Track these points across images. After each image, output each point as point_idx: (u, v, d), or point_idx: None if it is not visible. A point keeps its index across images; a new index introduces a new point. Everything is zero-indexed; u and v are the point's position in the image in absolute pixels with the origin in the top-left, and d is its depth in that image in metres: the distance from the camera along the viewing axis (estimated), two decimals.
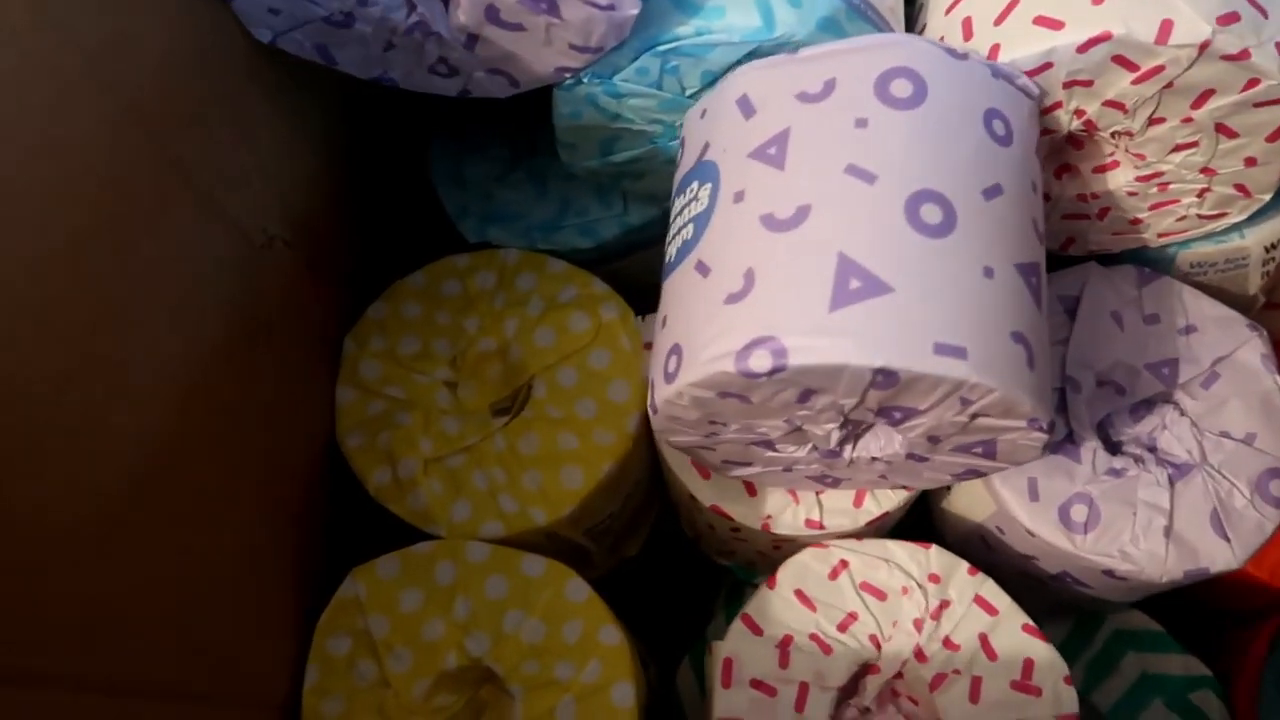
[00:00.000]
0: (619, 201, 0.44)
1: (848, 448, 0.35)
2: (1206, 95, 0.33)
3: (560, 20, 0.32)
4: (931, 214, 0.30)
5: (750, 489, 0.39)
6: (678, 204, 0.35)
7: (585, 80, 0.36)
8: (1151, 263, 0.42)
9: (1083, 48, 0.32)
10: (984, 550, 0.42)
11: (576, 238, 0.44)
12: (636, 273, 0.45)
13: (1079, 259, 0.42)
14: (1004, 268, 0.30)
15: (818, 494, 0.39)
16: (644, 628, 0.43)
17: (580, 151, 0.40)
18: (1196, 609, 0.49)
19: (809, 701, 0.35)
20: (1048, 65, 0.33)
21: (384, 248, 0.47)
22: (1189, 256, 0.42)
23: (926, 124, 0.31)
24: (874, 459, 0.35)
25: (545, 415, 0.40)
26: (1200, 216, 0.39)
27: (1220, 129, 0.34)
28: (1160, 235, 0.40)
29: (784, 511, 0.39)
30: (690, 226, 0.33)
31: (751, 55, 0.34)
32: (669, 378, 0.31)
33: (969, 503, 0.41)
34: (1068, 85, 0.34)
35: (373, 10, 0.32)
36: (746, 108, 0.33)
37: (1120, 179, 0.38)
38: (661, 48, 0.35)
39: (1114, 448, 0.39)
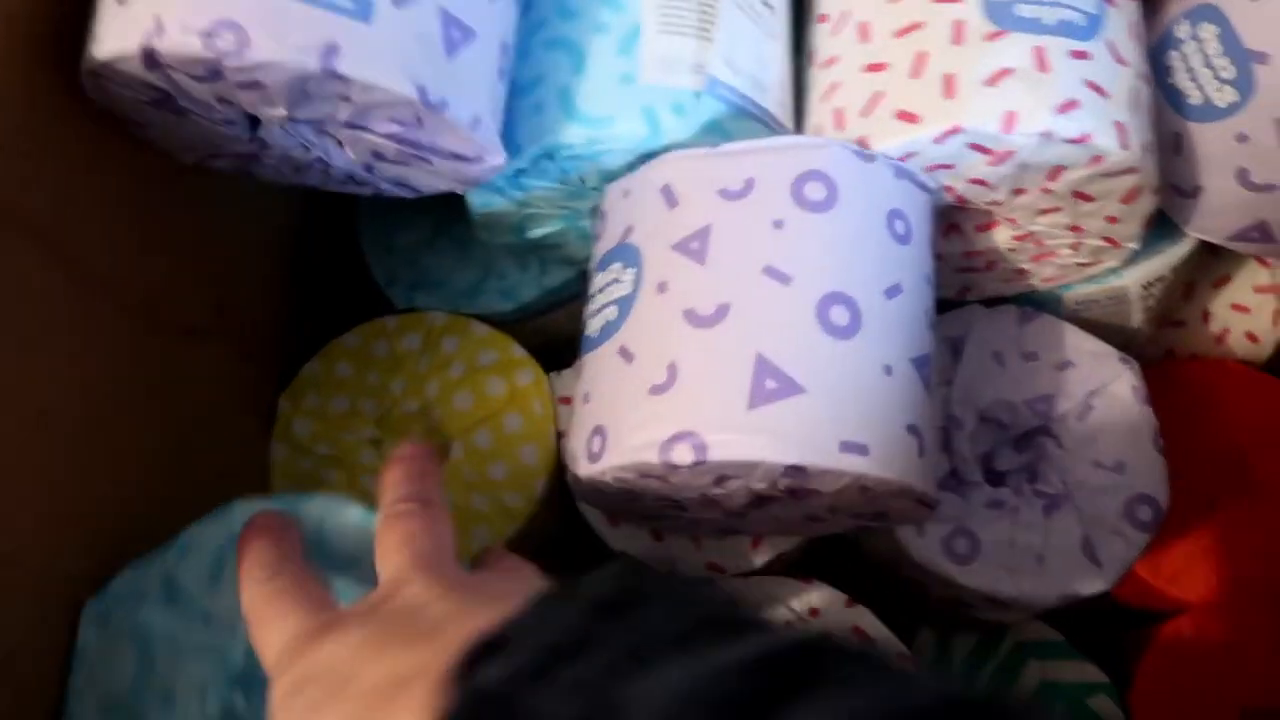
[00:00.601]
0: (536, 265, 0.47)
1: (752, 511, 0.37)
2: (1058, 170, 0.35)
3: (434, 165, 0.34)
4: (840, 315, 0.32)
5: (656, 535, 0.42)
6: (599, 279, 0.37)
7: (492, 178, 0.38)
8: (1040, 302, 0.44)
9: (939, 139, 0.34)
10: (891, 570, 0.45)
11: (497, 300, 0.47)
12: (555, 328, 0.48)
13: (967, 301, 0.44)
14: (901, 363, 0.33)
15: (718, 539, 0.42)
16: None
17: (495, 232, 0.42)
18: (1100, 615, 0.52)
19: None
20: (912, 154, 0.35)
21: (320, 311, 0.49)
22: (1074, 296, 0.44)
23: (837, 227, 0.33)
24: (775, 518, 0.37)
25: (460, 477, 0.42)
26: (1079, 265, 0.41)
27: (1078, 196, 0.36)
28: (1045, 280, 0.42)
29: (686, 557, 0.42)
30: (614, 308, 0.35)
31: (643, 158, 0.36)
32: (593, 457, 0.34)
33: (871, 535, 0.44)
34: (931, 169, 0.36)
35: (274, 151, 0.34)
36: (670, 197, 0.35)
37: (1000, 237, 0.40)
38: (558, 155, 0.37)
39: (997, 479, 0.42)
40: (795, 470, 0.31)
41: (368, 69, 0.29)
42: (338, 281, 0.52)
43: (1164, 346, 0.53)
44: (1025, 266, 0.41)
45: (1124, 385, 0.41)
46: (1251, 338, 0.52)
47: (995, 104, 0.33)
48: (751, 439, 0.31)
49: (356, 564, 0.31)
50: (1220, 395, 0.51)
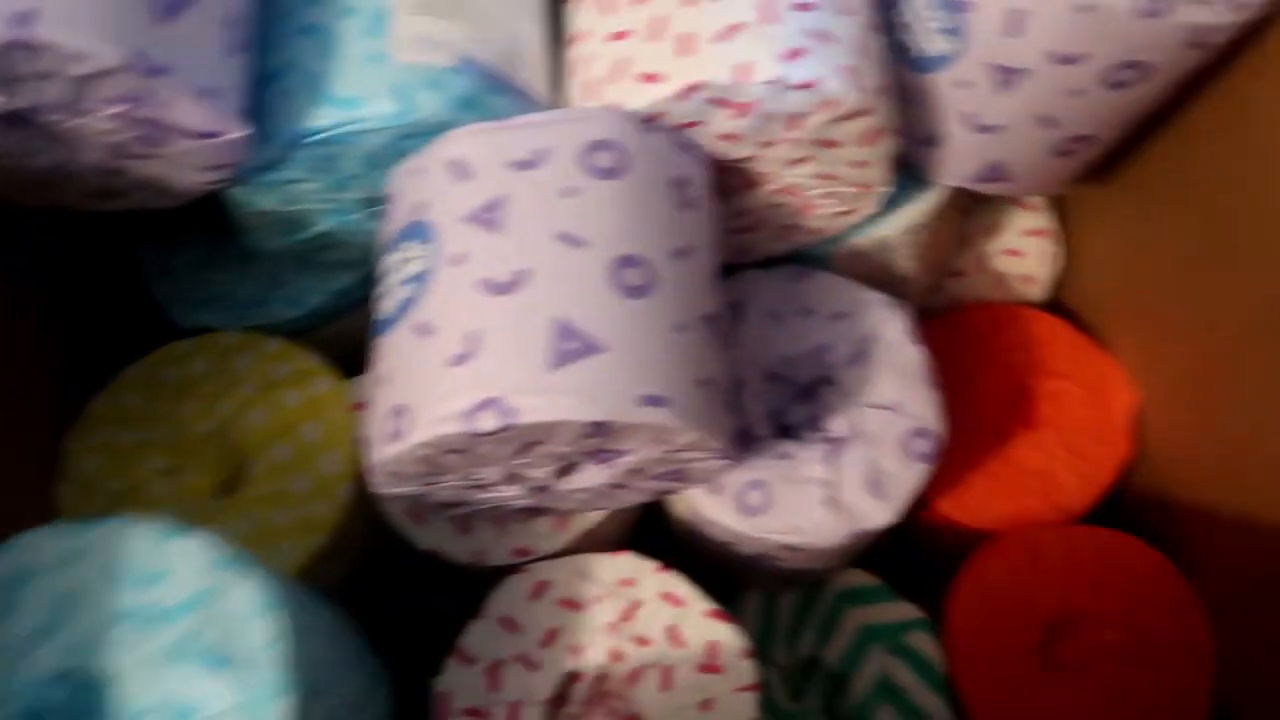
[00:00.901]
0: (322, 269, 0.46)
1: (556, 483, 0.37)
2: (798, 118, 0.36)
3: (176, 149, 0.33)
4: (633, 277, 0.33)
5: (462, 527, 0.42)
6: (390, 260, 0.36)
7: (250, 173, 0.37)
8: (813, 259, 0.46)
9: (680, 96, 0.35)
10: (699, 541, 0.45)
11: (285, 309, 0.46)
12: (350, 333, 0.47)
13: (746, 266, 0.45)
14: (693, 321, 0.34)
15: (526, 522, 0.42)
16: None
17: (264, 235, 0.41)
18: (918, 557, 0.54)
19: (520, 718, 0.38)
20: (661, 114, 0.36)
21: (108, 343, 0.48)
22: (843, 250, 0.46)
23: (626, 193, 0.34)
24: (578, 490, 0.38)
25: (261, 494, 0.41)
26: (838, 214, 0.43)
27: (822, 143, 0.38)
28: (812, 233, 0.44)
29: (495, 544, 0.42)
30: (408, 286, 0.34)
31: (401, 138, 0.36)
32: (395, 436, 0.33)
33: (673, 502, 0.45)
34: (683, 128, 0.37)
35: (7, 160, 0.32)
36: (459, 171, 0.35)
37: (761, 194, 0.41)
38: (310, 140, 0.36)
39: (787, 433, 0.43)
40: (599, 427, 0.32)
41: (69, 33, 0.27)
42: (125, 311, 0.50)
43: (949, 296, 0.56)
44: (790, 222, 0.43)
45: (894, 329, 0.43)
46: (1026, 279, 0.56)
47: (728, 57, 0.35)
48: (555, 399, 0.31)
49: (160, 579, 0.30)
50: (1005, 335, 0.54)
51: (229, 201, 0.39)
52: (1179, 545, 0.49)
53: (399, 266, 0.35)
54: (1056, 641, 0.48)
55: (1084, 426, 0.51)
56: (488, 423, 0.31)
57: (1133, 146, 0.49)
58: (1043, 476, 0.51)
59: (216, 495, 0.42)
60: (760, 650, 0.48)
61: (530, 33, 0.39)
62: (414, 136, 0.36)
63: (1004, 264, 0.55)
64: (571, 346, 0.31)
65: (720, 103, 0.35)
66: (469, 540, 0.41)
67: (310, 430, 0.42)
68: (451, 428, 0.31)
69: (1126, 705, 0.45)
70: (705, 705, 0.38)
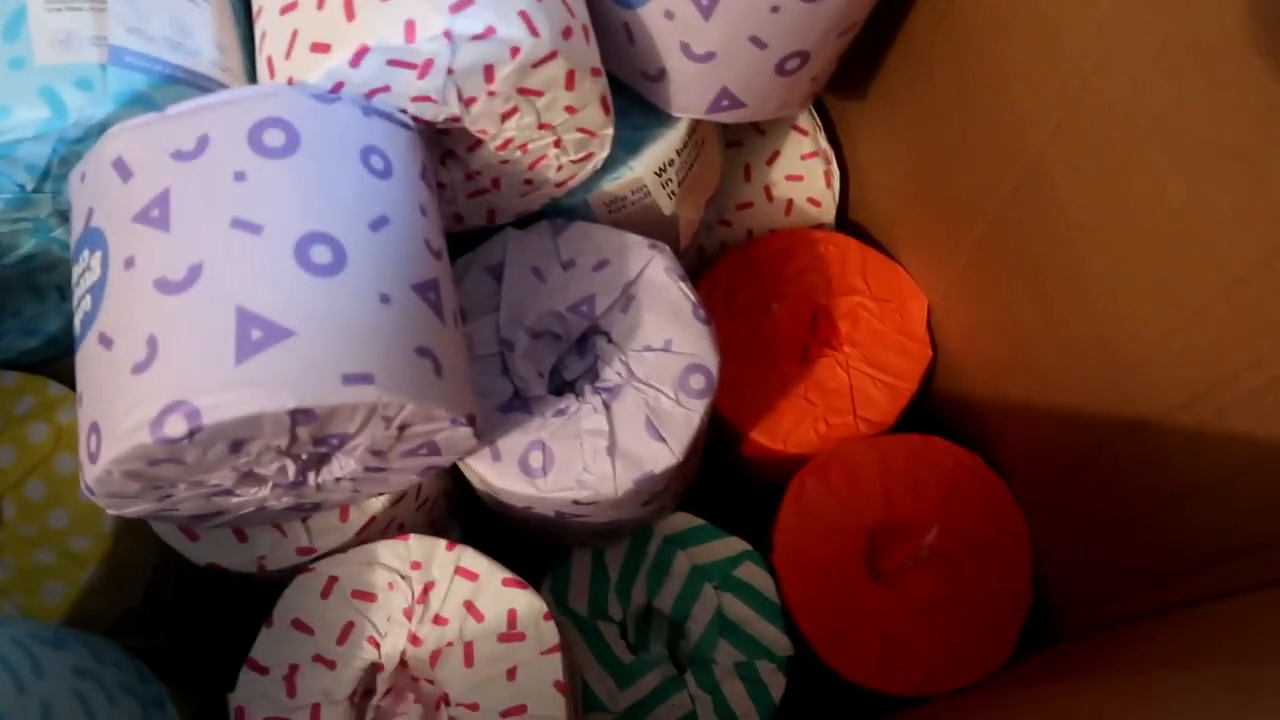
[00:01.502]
0: (54, 293, 0.44)
1: (310, 476, 0.36)
2: (489, 70, 0.36)
3: None
4: (321, 254, 0.32)
5: (240, 535, 0.41)
6: (75, 274, 0.35)
7: None
8: (572, 212, 0.45)
9: (353, 63, 0.34)
10: (505, 510, 0.45)
11: (22, 339, 0.44)
12: None
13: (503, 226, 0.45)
14: (400, 291, 0.33)
15: (304, 521, 0.41)
16: None
17: None
18: (748, 491, 0.55)
19: (322, 719, 0.37)
20: (340, 85, 0.35)
21: None
22: (600, 198, 0.45)
23: (303, 170, 0.33)
24: (339, 479, 0.37)
25: (19, 536, 0.40)
26: (574, 162, 0.42)
27: (525, 92, 0.37)
28: (557, 185, 0.43)
29: (275, 548, 0.40)
30: (88, 298, 0.33)
31: (64, 143, 0.35)
32: (93, 457, 0.31)
33: (467, 476, 0.44)
34: (371, 95, 0.36)
35: None
36: (123, 170, 0.33)
37: (487, 153, 0.41)
38: None
39: (566, 389, 0.43)
40: (303, 414, 0.30)
41: None
42: None
43: (743, 229, 0.56)
44: (529, 176, 0.42)
45: (657, 269, 0.43)
46: (813, 202, 0.56)
47: (394, 15, 0.34)
48: (244, 393, 0.29)
49: None
50: (798, 260, 0.54)
51: None
52: (986, 441, 0.49)
53: (80, 278, 0.33)
54: (880, 551, 0.49)
55: (883, 340, 0.52)
56: (176, 428, 0.29)
57: (873, 57, 0.49)
58: (850, 394, 0.51)
59: None
60: (593, 606, 0.48)
61: (203, 17, 0.37)
62: (79, 140, 0.34)
63: (789, 190, 0.56)
64: (258, 335, 0.30)
65: (398, 64, 0.34)
66: (247, 549, 0.40)
67: (63, 463, 0.40)
68: (139, 439, 0.29)
69: (952, 606, 0.46)
70: (511, 673, 0.38)
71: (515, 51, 0.35)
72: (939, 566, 0.47)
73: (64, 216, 0.38)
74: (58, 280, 0.42)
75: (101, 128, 0.34)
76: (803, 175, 0.55)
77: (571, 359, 0.44)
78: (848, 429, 0.50)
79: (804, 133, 0.55)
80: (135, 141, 0.33)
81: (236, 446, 0.31)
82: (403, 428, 0.33)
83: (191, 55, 0.36)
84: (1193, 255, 0.31)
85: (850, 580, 0.47)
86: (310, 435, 0.32)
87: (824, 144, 0.55)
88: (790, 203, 0.56)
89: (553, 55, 0.36)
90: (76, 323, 0.33)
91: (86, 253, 0.33)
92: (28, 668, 0.31)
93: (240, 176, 0.32)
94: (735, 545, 0.49)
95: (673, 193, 0.46)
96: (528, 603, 0.39)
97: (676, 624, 0.48)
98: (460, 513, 0.51)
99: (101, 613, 0.40)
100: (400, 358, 0.32)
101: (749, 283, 0.54)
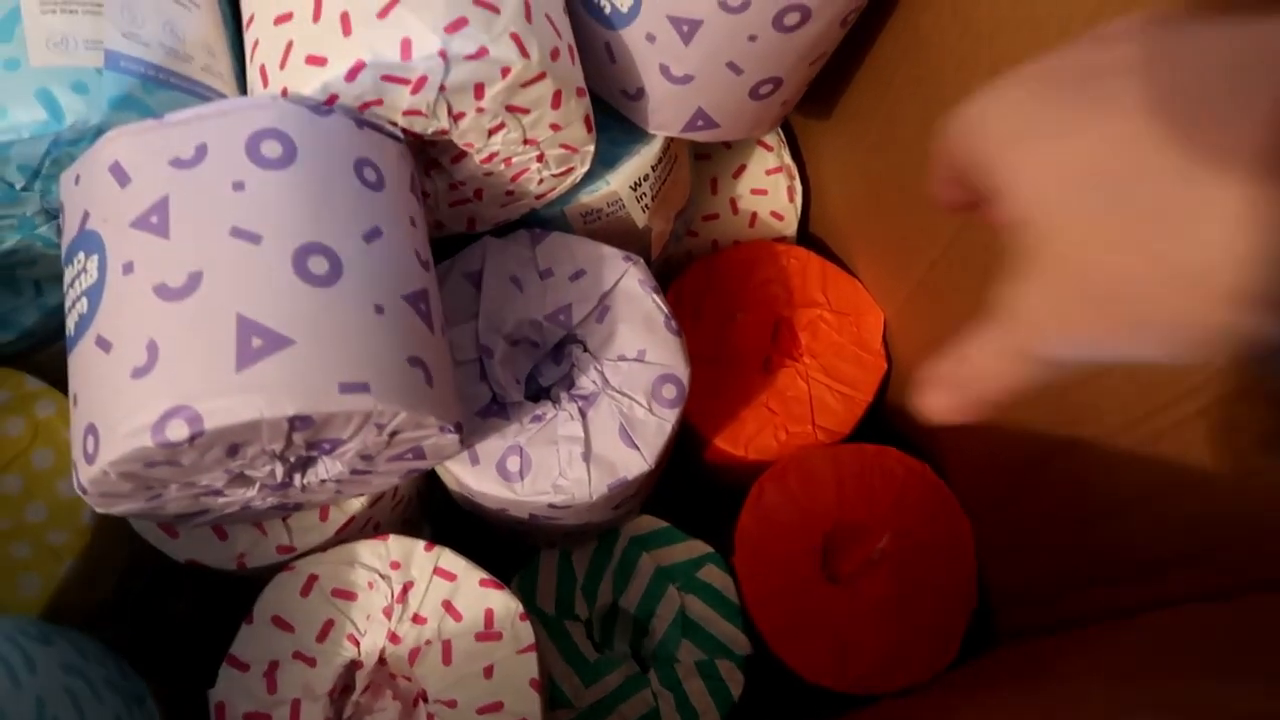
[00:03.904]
0: (31, 287, 0.44)
1: (296, 478, 0.37)
2: (480, 88, 0.37)
3: None
4: (319, 265, 0.32)
5: (220, 533, 0.41)
6: (68, 275, 0.35)
7: None
8: (548, 222, 0.47)
9: (348, 77, 0.35)
10: (479, 511, 0.46)
11: None
12: None
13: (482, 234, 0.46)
14: (393, 301, 0.34)
15: (284, 520, 0.42)
16: None
17: None
18: (713, 496, 0.57)
19: (302, 714, 0.38)
20: (334, 97, 0.36)
21: None
22: (576, 210, 0.47)
23: (300, 182, 0.33)
24: (324, 481, 0.38)
25: None
26: (555, 176, 0.43)
27: (512, 109, 0.38)
28: (538, 197, 0.45)
29: (255, 546, 0.41)
30: (84, 300, 0.33)
31: (58, 144, 0.35)
32: (89, 458, 0.32)
33: (444, 478, 0.45)
34: (364, 108, 0.37)
35: None
36: (120, 175, 0.33)
37: (472, 165, 0.42)
38: None
39: (541, 395, 0.44)
40: (301, 421, 0.31)
41: None
42: None
43: (708, 240, 0.58)
44: (511, 188, 0.43)
45: (631, 280, 0.45)
46: (776, 215, 0.58)
47: (390, 33, 0.35)
48: (245, 399, 0.30)
49: None
50: (761, 271, 0.56)
51: None
52: (936, 451, 0.52)
53: (75, 280, 0.34)
54: (834, 554, 0.51)
55: (841, 351, 0.54)
56: (177, 432, 0.30)
57: (840, 81, 0.51)
58: (809, 403, 0.53)
59: None
60: (560, 605, 0.50)
61: (196, 22, 0.38)
62: (73, 143, 0.35)
63: (753, 203, 0.58)
64: (258, 343, 0.31)
65: (393, 80, 0.35)
66: (228, 546, 0.41)
67: (40, 457, 0.41)
68: (140, 442, 0.30)
69: (901, 607, 0.48)
70: (488, 671, 0.39)
71: (506, 71, 0.36)
72: (889, 569, 0.49)
73: (50, 214, 0.38)
74: (36, 275, 0.42)
75: (97, 131, 0.35)
76: (767, 189, 0.57)
77: (547, 366, 0.45)
78: (806, 437, 0.53)
79: (769, 148, 0.57)
80: (133, 148, 0.33)
81: (233, 450, 0.32)
82: (393, 434, 0.34)
83: (184, 60, 0.37)
84: None
85: (806, 581, 0.49)
86: (304, 440, 0.33)
87: (788, 160, 0.57)
88: (754, 215, 0.58)
89: (541, 76, 0.37)
90: (70, 324, 0.34)
91: (82, 255, 0.33)
92: (21, 663, 0.31)
93: (239, 186, 0.33)
94: (698, 548, 0.51)
95: (646, 206, 0.48)
96: (504, 603, 0.40)
97: (641, 623, 0.50)
98: (432, 511, 0.52)
99: (76, 606, 0.40)
100: (394, 367, 0.33)
101: (714, 293, 0.56)
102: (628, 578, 0.50)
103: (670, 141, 0.47)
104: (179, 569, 0.47)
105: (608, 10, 0.41)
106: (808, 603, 0.49)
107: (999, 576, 0.49)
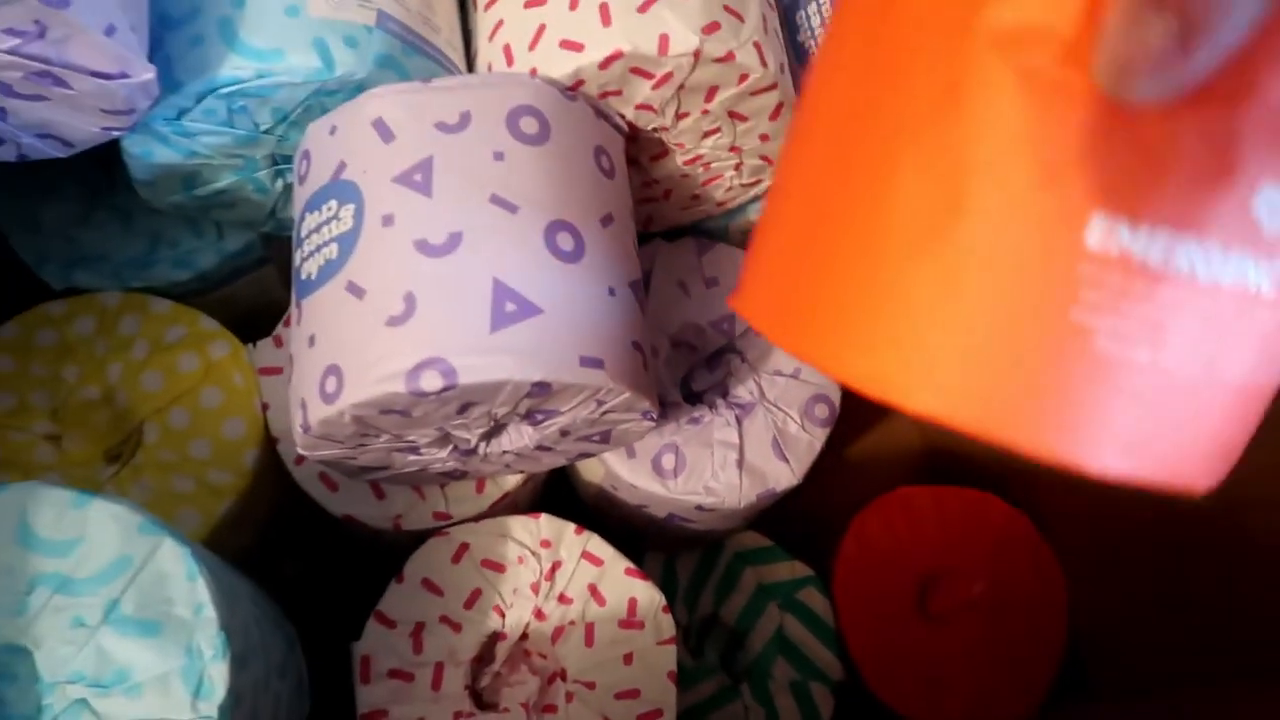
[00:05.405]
0: (213, 229, 0.44)
1: (482, 446, 0.38)
2: (713, 90, 0.38)
3: (74, 91, 0.31)
4: (565, 241, 0.33)
5: (378, 492, 0.41)
6: (312, 220, 0.35)
7: (151, 121, 0.35)
8: (711, 233, 0.48)
9: (603, 65, 0.36)
10: (610, 506, 0.47)
11: (171, 271, 0.44)
12: (239, 299, 0.45)
13: (650, 236, 0.47)
14: (621, 287, 0.35)
15: (442, 488, 0.42)
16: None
17: (160, 189, 0.39)
18: (805, 520, 0.57)
19: (445, 679, 0.38)
20: (580, 82, 0.37)
21: None
22: (738, 226, 0.48)
23: (553, 159, 0.34)
24: (505, 452, 0.38)
25: (157, 460, 0.39)
26: (743, 185, 0.45)
27: (733, 115, 0.40)
28: (719, 205, 0.46)
29: (412, 509, 0.41)
30: (334, 245, 0.34)
31: (318, 94, 0.36)
32: (328, 398, 0.32)
33: (587, 468, 0.46)
34: (602, 96, 0.38)
35: None
36: (384, 131, 0.34)
37: (672, 165, 0.43)
38: (224, 90, 0.35)
39: (695, 399, 0.45)
40: (540, 387, 0.32)
41: None
42: None
43: None
44: (698, 192, 0.45)
45: None
46: None
47: (651, 28, 0.36)
48: (497, 360, 0.31)
49: (74, 546, 0.29)
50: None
51: (123, 152, 0.37)
52: (1037, 504, 0.54)
53: (323, 225, 0.34)
54: (930, 594, 0.52)
55: None
56: (431, 383, 0.31)
57: None
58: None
59: (106, 462, 0.40)
60: None
61: None
62: (330, 94, 0.35)
63: None
64: (511, 308, 0.32)
65: (640, 72, 0.37)
66: (385, 505, 0.41)
67: (209, 395, 0.40)
68: (393, 387, 0.31)
69: (991, 651, 0.50)
70: (627, 658, 0.40)
71: (744, 78, 0.38)
72: (982, 614, 0.51)
73: (272, 160, 0.38)
74: (227, 218, 0.42)
75: (358, 86, 0.35)
76: None
77: (701, 371, 0.46)
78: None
79: None
80: (398, 106, 0.34)
81: (464, 408, 0.33)
82: (605, 413, 0.35)
83: (434, 30, 0.38)
84: None
85: (902, 617, 0.51)
86: (528, 407, 0.34)
87: None
88: None
89: (773, 86, 0.39)
90: (312, 268, 0.34)
91: (334, 203, 0.34)
92: (230, 587, 0.31)
93: (499, 156, 0.34)
94: (800, 569, 0.52)
95: None
96: (648, 594, 0.41)
97: (738, 636, 0.51)
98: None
99: (225, 547, 0.40)
100: (623, 348, 0.34)
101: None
102: (730, 590, 0.51)
103: None
104: (299, 530, 0.47)
105: (806, 49, 0.43)
106: (902, 637, 0.50)
107: (1094, 634, 0.50)
